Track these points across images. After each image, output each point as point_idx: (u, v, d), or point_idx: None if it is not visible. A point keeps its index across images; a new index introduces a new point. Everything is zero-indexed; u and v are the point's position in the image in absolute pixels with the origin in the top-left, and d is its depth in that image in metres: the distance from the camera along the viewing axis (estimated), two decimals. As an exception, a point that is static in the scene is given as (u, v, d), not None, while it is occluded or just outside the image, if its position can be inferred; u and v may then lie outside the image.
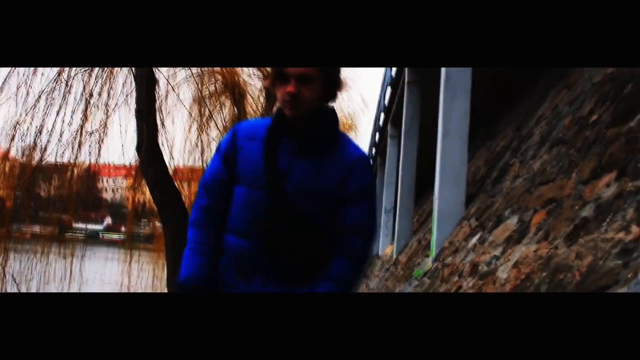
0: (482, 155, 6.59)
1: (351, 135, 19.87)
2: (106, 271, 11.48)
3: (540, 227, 2.84)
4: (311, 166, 1.65)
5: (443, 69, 5.18)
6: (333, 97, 1.71)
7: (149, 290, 9.87)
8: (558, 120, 4.01)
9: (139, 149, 6.57)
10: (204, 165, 9.92)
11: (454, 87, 5.10)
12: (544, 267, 2.36)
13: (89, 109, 7.10)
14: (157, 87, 6.67)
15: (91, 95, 6.97)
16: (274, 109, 1.69)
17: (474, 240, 3.96)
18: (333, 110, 1.73)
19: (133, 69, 6.50)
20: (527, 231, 3.00)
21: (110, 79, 6.96)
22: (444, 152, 5.06)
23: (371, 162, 1.90)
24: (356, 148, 1.74)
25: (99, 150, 7.38)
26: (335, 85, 1.68)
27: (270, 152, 1.65)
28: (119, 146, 7.94)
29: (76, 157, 7.34)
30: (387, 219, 11.06)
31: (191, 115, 10.39)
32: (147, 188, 6.86)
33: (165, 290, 9.26)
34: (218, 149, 1.80)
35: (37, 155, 7.23)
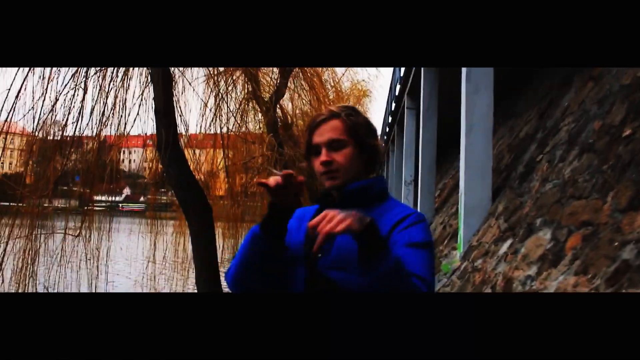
0: (505, 138, 6.51)
1: (365, 100, 19.71)
2: (131, 244, 11.60)
3: (577, 255, 2.83)
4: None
5: (464, 61, 5.09)
6: (372, 164, 1.61)
7: (174, 262, 9.94)
8: (586, 121, 3.93)
9: (159, 147, 6.57)
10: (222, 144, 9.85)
11: (476, 80, 5.02)
12: (585, 311, 2.36)
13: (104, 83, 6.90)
14: (174, 84, 6.62)
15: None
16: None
17: (505, 247, 3.95)
18: (377, 179, 1.62)
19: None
20: (562, 255, 2.99)
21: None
22: (469, 148, 5.02)
23: (427, 221, 1.75)
24: (407, 208, 1.60)
25: (122, 123, 7.19)
26: (369, 149, 1.57)
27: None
28: (134, 115, 7.72)
29: (93, 131, 7.20)
30: (407, 192, 11.06)
31: (205, 93, 10.20)
32: (171, 187, 6.90)
33: (191, 263, 9.44)
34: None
35: (53, 130, 7.16)
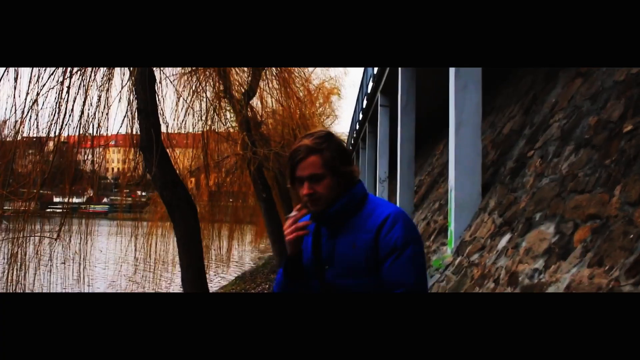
0: (487, 134, 6.60)
1: (334, 98, 19.72)
2: (91, 245, 11.37)
3: (587, 247, 2.90)
4: (348, 243, 1.77)
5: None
6: (349, 183, 1.81)
7: (149, 264, 9.81)
8: (579, 117, 4.03)
9: (143, 148, 6.45)
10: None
11: (464, 77, 5.08)
12: (606, 302, 2.41)
13: (68, 82, 6.67)
14: (157, 84, 6.50)
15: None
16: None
17: (504, 241, 4.02)
18: (352, 194, 1.81)
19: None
20: (571, 248, 3.06)
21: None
22: (458, 144, 5.08)
23: (405, 216, 1.89)
24: (385, 208, 1.80)
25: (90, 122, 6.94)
26: (345, 175, 1.80)
27: (315, 245, 1.84)
28: (98, 115, 7.51)
29: (53, 131, 6.95)
30: (382, 189, 11.14)
31: (177, 90, 10.04)
32: (156, 188, 6.79)
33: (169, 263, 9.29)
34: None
35: (14, 131, 6.90)
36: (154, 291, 8.99)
